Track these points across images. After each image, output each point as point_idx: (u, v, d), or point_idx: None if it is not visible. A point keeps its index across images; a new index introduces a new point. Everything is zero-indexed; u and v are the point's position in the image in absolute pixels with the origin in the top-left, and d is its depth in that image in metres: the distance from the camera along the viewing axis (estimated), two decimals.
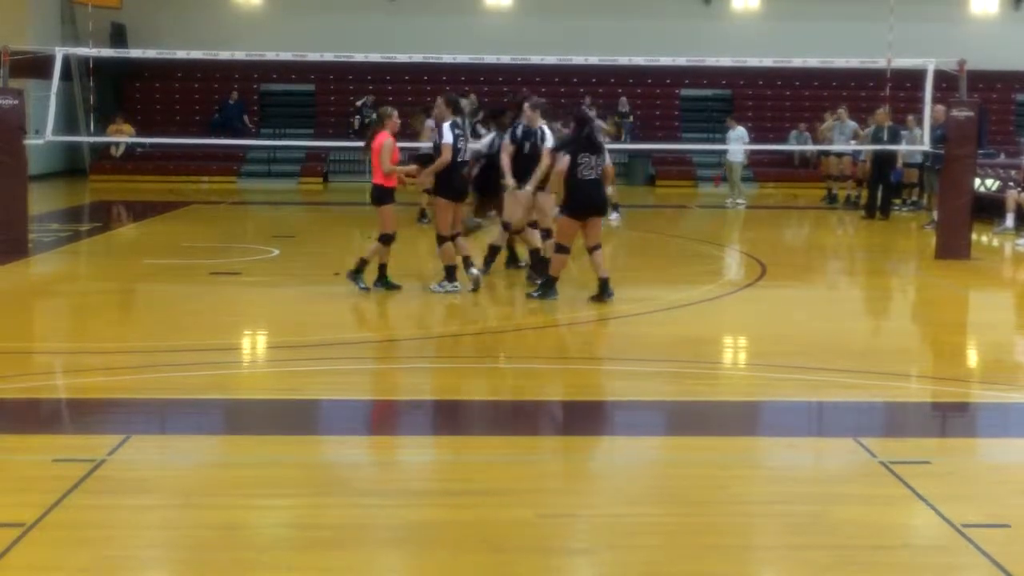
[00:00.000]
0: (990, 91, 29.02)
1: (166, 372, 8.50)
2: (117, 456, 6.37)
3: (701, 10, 31.23)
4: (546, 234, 12.14)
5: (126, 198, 23.54)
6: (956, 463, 6.66)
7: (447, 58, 18.86)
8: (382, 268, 11.84)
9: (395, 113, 11.93)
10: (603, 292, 11.33)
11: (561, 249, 11.41)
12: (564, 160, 11.28)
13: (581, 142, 11.35)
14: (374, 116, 28.98)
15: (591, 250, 11.36)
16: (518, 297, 12.11)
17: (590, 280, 11.81)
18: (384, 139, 11.55)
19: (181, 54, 19.77)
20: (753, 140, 24.63)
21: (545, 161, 11.98)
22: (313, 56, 18.88)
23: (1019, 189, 18.61)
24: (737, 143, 22.69)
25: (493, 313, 11.71)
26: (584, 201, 11.25)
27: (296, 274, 13.52)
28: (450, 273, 11.85)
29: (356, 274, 11.75)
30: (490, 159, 13.01)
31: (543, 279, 11.59)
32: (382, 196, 11.68)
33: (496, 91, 28.30)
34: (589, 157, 11.25)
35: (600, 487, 6.14)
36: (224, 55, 21.40)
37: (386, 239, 11.70)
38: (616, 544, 5.33)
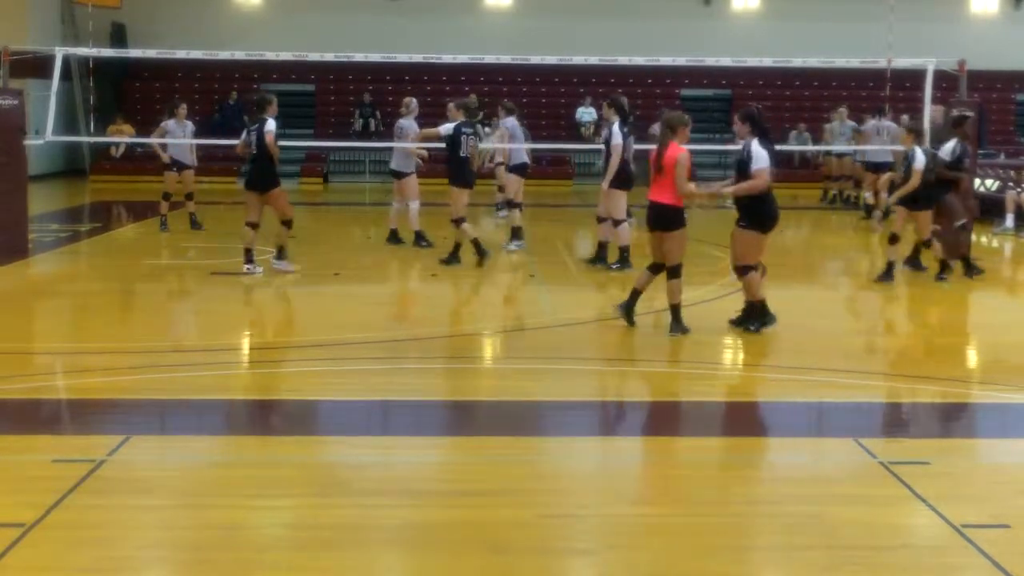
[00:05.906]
0: (990, 91, 29.04)
1: (166, 372, 8.50)
2: (117, 456, 6.37)
3: (701, 10, 31.24)
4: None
5: (126, 198, 23.52)
6: (956, 463, 6.66)
7: (447, 58, 18.91)
8: None
9: (275, 99, 13.36)
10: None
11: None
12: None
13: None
14: (375, 115, 29.33)
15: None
16: (521, 298, 12.09)
17: (588, 279, 11.79)
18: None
19: (181, 54, 19.76)
20: None
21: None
22: (313, 56, 18.90)
23: (1019, 189, 18.60)
24: None
25: (493, 314, 11.71)
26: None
27: (296, 274, 13.51)
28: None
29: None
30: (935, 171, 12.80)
31: None
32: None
33: (496, 91, 28.30)
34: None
35: (600, 487, 6.14)
36: (224, 55, 21.40)
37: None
38: (616, 544, 5.33)
